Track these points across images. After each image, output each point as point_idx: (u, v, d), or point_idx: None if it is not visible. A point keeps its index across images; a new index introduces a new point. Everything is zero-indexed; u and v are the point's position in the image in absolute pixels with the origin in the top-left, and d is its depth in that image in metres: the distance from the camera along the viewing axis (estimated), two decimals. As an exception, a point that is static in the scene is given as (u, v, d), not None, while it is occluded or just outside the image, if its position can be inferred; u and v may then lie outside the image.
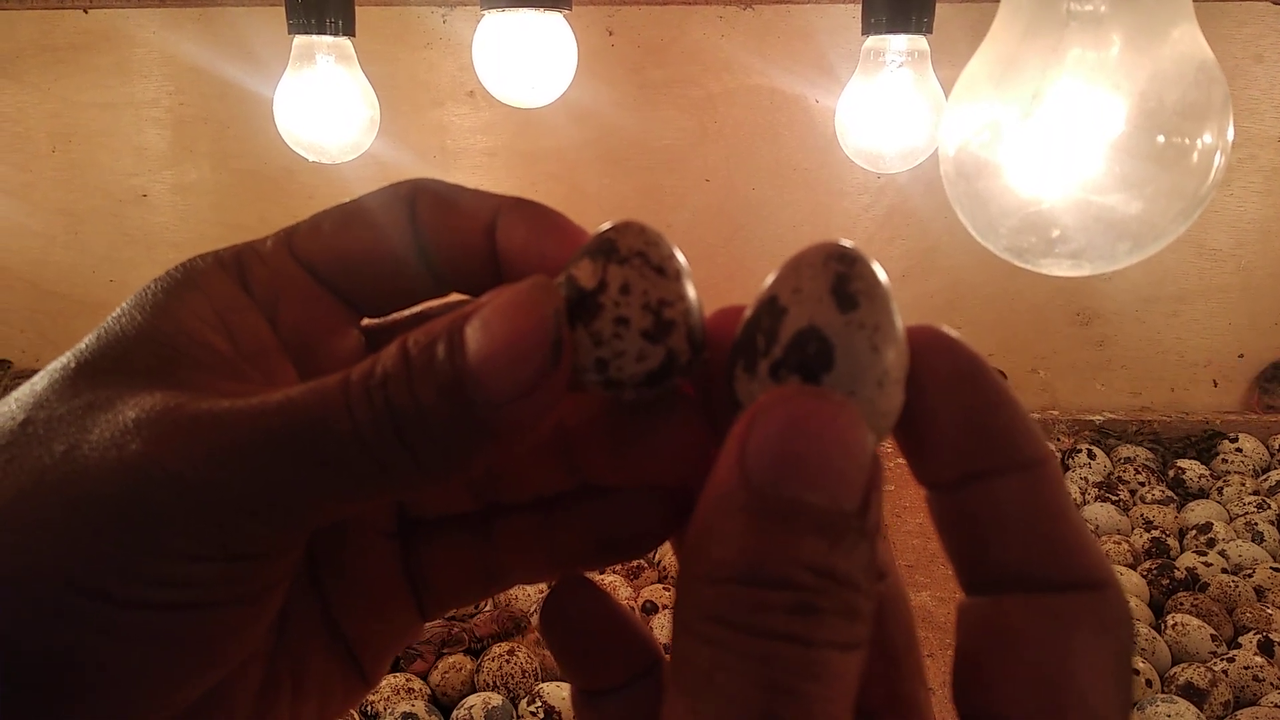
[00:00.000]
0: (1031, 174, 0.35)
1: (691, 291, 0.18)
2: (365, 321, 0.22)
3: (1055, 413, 1.15)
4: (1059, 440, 1.10)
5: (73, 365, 0.18)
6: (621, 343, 0.18)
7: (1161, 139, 0.35)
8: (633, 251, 0.18)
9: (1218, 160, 0.34)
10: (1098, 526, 0.92)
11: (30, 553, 0.16)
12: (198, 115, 1.18)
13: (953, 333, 0.18)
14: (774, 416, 0.15)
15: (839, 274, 0.17)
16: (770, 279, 0.17)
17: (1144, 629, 0.75)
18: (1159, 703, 0.67)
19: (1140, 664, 0.71)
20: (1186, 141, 0.34)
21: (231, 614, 0.18)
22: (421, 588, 0.23)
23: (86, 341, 0.19)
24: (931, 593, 0.73)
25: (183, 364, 0.18)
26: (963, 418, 0.17)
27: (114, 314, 0.19)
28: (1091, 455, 1.05)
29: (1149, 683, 0.70)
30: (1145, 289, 1.11)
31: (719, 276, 1.12)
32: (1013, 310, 1.13)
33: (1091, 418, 1.14)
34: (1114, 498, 0.96)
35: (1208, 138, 0.34)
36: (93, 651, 0.16)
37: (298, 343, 0.20)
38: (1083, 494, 0.98)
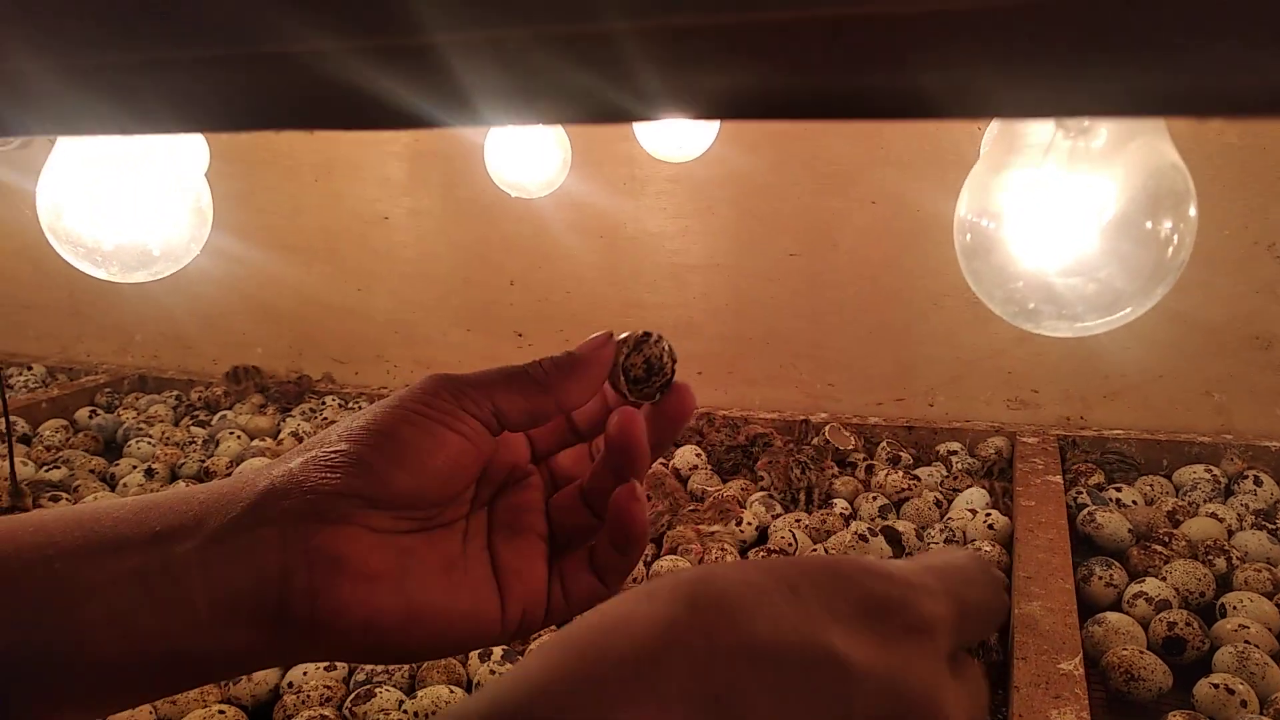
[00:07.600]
0: (1025, 251, 0.43)
1: (670, 359, 0.38)
2: None
3: (1229, 437, 1.14)
4: (1233, 463, 1.09)
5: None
6: (644, 379, 0.38)
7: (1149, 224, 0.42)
8: (651, 350, 0.37)
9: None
10: (1246, 553, 0.92)
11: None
12: (429, 150, 1.38)
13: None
14: None
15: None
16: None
17: (1264, 657, 0.76)
18: (1260, 724, 0.69)
19: (1240, 686, 0.73)
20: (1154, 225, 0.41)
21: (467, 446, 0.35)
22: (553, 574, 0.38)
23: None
24: (1042, 604, 0.79)
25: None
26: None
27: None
28: (1258, 482, 1.04)
29: (1245, 703, 0.72)
30: (1329, 314, 1.08)
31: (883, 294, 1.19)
32: (1185, 332, 1.13)
33: (1268, 444, 1.11)
34: (1270, 526, 0.95)
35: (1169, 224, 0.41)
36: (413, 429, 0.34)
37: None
38: (1240, 520, 0.97)
